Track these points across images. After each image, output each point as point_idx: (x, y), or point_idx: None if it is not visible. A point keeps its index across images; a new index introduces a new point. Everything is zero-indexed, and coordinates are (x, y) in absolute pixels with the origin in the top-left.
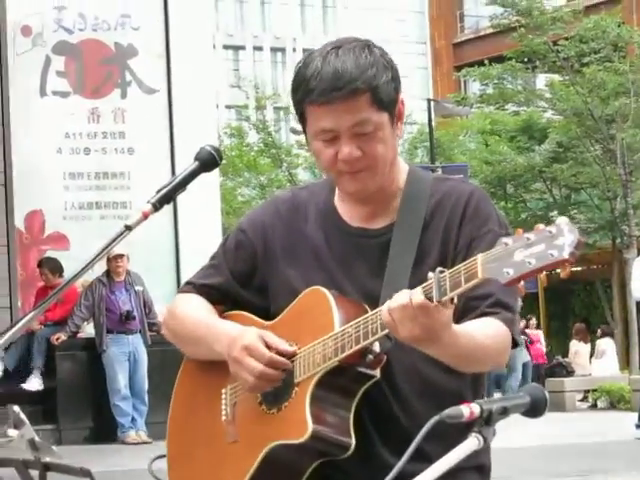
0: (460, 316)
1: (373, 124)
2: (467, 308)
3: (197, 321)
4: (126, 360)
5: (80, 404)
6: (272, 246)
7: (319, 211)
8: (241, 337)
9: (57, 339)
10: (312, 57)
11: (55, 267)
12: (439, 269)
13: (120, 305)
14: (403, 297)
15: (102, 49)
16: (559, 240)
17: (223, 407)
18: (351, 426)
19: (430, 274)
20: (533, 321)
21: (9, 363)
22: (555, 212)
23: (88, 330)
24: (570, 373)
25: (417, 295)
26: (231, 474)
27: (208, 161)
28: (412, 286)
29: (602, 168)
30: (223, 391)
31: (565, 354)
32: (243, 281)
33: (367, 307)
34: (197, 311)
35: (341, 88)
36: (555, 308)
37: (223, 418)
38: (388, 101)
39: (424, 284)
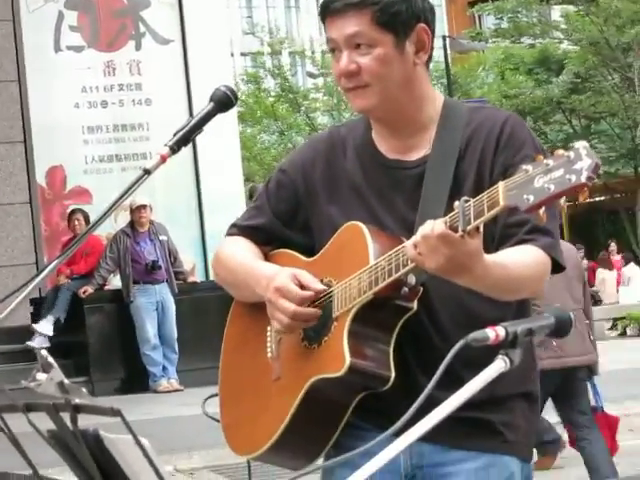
0: (498, 244)
1: (370, 39)
2: (504, 236)
3: (240, 264)
4: (154, 310)
5: (110, 356)
6: (313, 183)
7: (356, 145)
8: (274, 278)
9: (84, 292)
10: None
11: (87, 217)
12: (464, 198)
13: (145, 255)
14: (426, 228)
15: (114, 1)
16: (577, 165)
17: (268, 344)
18: (391, 359)
19: (456, 203)
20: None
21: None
22: (575, 143)
23: (115, 282)
24: (598, 302)
25: (439, 225)
26: (276, 410)
27: (223, 101)
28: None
29: (621, 97)
30: (269, 328)
31: (592, 283)
32: (286, 220)
33: (404, 239)
34: (240, 254)
35: (336, 1)
36: (580, 238)
37: (268, 355)
38: (392, 22)
39: (451, 214)
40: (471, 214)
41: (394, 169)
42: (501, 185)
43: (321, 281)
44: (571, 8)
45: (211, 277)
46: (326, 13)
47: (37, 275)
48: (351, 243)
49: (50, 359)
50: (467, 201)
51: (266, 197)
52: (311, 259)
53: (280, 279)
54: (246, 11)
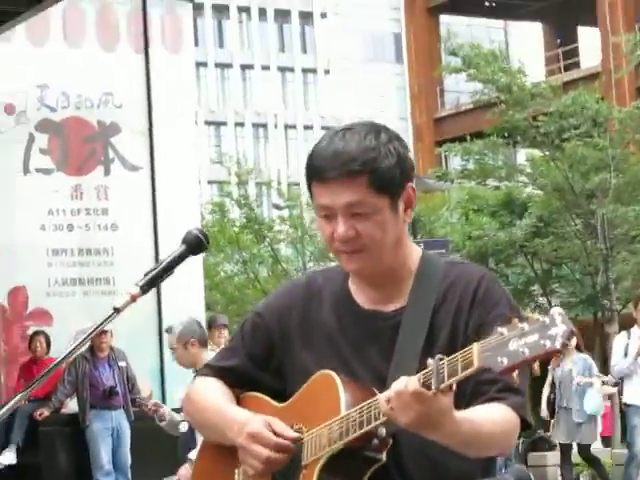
0: (469, 401)
1: (369, 206)
2: (476, 393)
3: (211, 407)
4: (109, 436)
5: None
6: (288, 331)
7: (334, 295)
8: (247, 424)
9: (40, 414)
10: (323, 137)
11: (49, 339)
12: (438, 356)
13: (103, 381)
14: (400, 384)
15: (85, 127)
16: (552, 330)
17: None
18: None
19: (430, 361)
20: None
21: None
22: (536, 286)
23: (71, 406)
24: (552, 447)
25: (413, 383)
26: None
27: (195, 244)
28: (422, 370)
29: (583, 243)
30: (236, 472)
31: (547, 428)
32: (260, 364)
33: (376, 391)
34: (211, 396)
35: (338, 167)
36: (538, 381)
37: None
38: (389, 186)
39: (424, 371)
40: (445, 373)
41: (370, 319)
42: (475, 347)
43: (291, 427)
44: (537, 152)
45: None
46: (316, 179)
47: (3, 406)
48: (323, 392)
49: None
50: (441, 359)
51: (241, 339)
52: (282, 405)
53: (254, 425)
54: (214, 140)
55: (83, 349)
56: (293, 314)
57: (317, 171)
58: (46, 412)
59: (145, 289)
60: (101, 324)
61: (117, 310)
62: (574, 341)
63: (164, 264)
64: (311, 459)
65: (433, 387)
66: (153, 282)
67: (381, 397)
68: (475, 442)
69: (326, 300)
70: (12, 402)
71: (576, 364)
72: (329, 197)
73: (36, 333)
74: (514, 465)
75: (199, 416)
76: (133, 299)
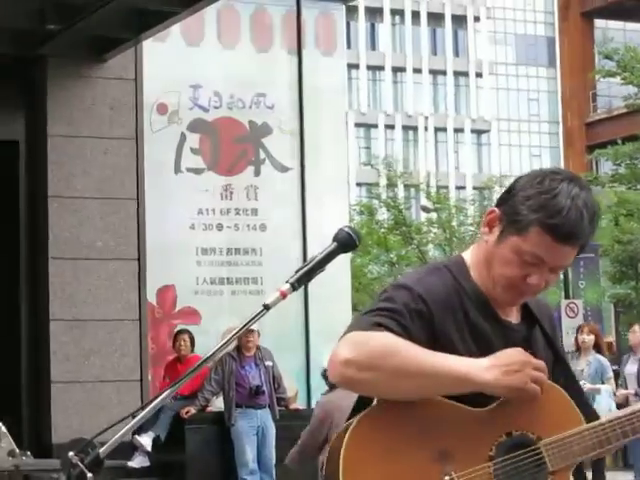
0: None
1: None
2: None
3: (429, 354)
4: (254, 434)
5: (208, 477)
6: (448, 322)
7: (473, 298)
8: (524, 357)
9: (187, 412)
10: (560, 191)
11: (193, 338)
12: None
13: (250, 380)
14: None
15: (237, 127)
16: None
17: None
18: None
19: None
20: None
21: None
22: None
23: (217, 404)
24: None
25: None
26: None
27: (347, 242)
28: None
29: None
30: (447, 479)
31: None
32: None
33: None
34: (417, 348)
35: (578, 240)
36: None
37: None
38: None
39: None
40: None
41: (509, 330)
42: None
43: (521, 434)
44: None
45: (313, 405)
46: (555, 239)
47: (149, 403)
48: (549, 402)
49: (4, 429)
50: None
51: (410, 320)
52: (483, 410)
53: (529, 356)
54: (364, 142)
55: (230, 348)
56: (452, 305)
57: (563, 235)
58: (192, 410)
59: (295, 286)
60: (251, 321)
61: (267, 307)
62: (591, 339)
63: (315, 261)
64: (562, 465)
65: None
66: (303, 279)
67: None
68: None
69: (466, 300)
70: (160, 398)
71: (589, 365)
72: (553, 256)
73: (180, 332)
74: None
75: (411, 365)
76: (283, 296)
